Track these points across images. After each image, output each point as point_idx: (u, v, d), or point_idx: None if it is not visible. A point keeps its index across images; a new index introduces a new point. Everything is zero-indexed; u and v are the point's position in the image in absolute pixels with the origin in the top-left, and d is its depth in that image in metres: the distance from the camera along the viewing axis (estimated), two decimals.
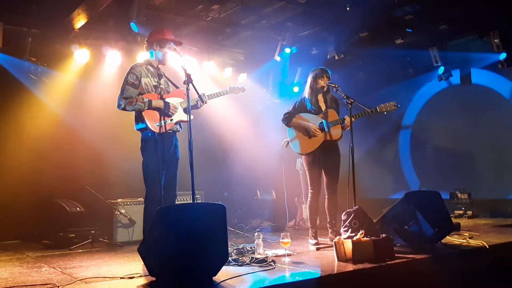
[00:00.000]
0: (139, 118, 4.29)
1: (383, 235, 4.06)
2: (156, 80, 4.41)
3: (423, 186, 8.41)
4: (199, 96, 4.19)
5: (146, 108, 4.22)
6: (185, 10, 6.50)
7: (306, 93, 5.19)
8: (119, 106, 4.24)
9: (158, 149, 4.22)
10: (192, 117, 4.20)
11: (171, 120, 4.34)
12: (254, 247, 4.31)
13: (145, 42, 4.48)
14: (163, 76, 4.53)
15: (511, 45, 6.73)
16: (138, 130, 4.35)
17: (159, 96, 4.32)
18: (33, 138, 6.23)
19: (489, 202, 7.36)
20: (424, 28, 6.87)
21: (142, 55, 6.57)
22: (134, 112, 4.31)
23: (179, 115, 4.38)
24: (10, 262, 4.52)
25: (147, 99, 4.24)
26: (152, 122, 4.24)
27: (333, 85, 4.97)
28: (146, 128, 4.24)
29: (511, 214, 6.94)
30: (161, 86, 4.42)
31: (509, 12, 6.17)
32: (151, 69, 4.43)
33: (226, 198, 7.57)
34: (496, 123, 7.46)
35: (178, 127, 4.47)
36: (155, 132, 4.24)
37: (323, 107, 5.14)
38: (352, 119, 4.86)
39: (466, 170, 7.74)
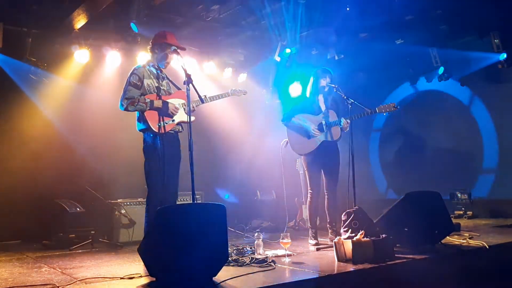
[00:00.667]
0: (141, 119, 4.31)
1: (383, 235, 4.06)
2: (158, 81, 4.43)
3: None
4: (200, 97, 4.20)
5: (148, 108, 4.24)
6: (185, 10, 6.49)
7: (307, 92, 5.20)
8: (121, 106, 4.26)
9: (160, 150, 4.23)
10: (193, 118, 4.23)
11: (173, 120, 4.35)
12: (254, 248, 4.31)
13: (150, 43, 4.49)
14: (165, 78, 4.56)
15: (511, 46, 6.74)
16: (140, 130, 4.36)
17: (158, 97, 4.33)
18: (33, 138, 6.23)
19: (489, 203, 7.36)
20: (424, 28, 6.87)
21: (142, 56, 6.59)
22: (136, 112, 4.32)
23: (181, 116, 4.39)
24: (10, 262, 4.52)
25: (149, 100, 4.25)
26: (154, 123, 4.25)
27: (333, 86, 4.98)
28: (148, 128, 4.26)
29: (511, 214, 6.94)
30: (163, 87, 4.44)
31: (509, 12, 6.17)
32: (154, 70, 4.45)
33: (227, 200, 7.59)
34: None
35: (180, 127, 4.49)
36: (157, 132, 4.24)
37: (323, 108, 5.14)
38: (349, 121, 4.87)
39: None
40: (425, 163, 8.16)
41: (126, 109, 4.25)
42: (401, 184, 8.42)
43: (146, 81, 4.34)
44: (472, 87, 7.74)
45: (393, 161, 8.79)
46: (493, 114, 7.52)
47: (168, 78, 4.60)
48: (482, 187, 7.46)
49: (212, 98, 4.60)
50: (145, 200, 4.41)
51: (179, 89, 4.59)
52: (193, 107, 4.43)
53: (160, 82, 4.44)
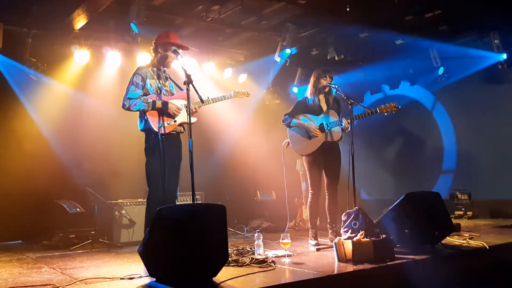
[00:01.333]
0: (143, 119, 4.32)
1: (383, 235, 4.06)
2: (161, 82, 4.44)
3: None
4: (200, 98, 4.20)
5: (150, 108, 4.25)
6: (185, 10, 6.50)
7: (308, 93, 5.19)
8: (123, 106, 4.28)
9: (161, 150, 4.23)
10: (195, 119, 4.26)
11: (175, 121, 4.35)
12: (254, 248, 4.30)
13: (152, 44, 4.50)
14: (169, 79, 4.57)
15: (511, 46, 6.74)
16: (142, 130, 4.37)
17: (158, 97, 4.33)
18: (33, 139, 6.24)
19: (489, 203, 7.37)
20: (424, 29, 6.87)
21: (142, 56, 6.60)
22: (138, 112, 4.33)
23: (183, 117, 4.38)
24: (10, 262, 4.52)
25: (151, 100, 4.26)
26: (155, 123, 4.26)
27: (333, 86, 4.98)
28: (150, 128, 4.26)
29: (511, 215, 6.94)
30: (165, 88, 4.45)
31: (509, 12, 6.17)
32: (157, 71, 4.46)
33: (227, 200, 7.59)
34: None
35: (182, 128, 4.49)
36: (158, 133, 4.25)
37: (324, 108, 5.14)
38: (349, 121, 4.87)
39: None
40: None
41: (128, 109, 4.27)
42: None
43: (149, 81, 4.35)
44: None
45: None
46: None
47: (171, 79, 4.60)
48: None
49: (215, 100, 4.60)
50: (145, 200, 4.41)
51: (182, 90, 4.59)
52: (195, 108, 4.43)
53: (163, 83, 4.46)
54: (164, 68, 4.53)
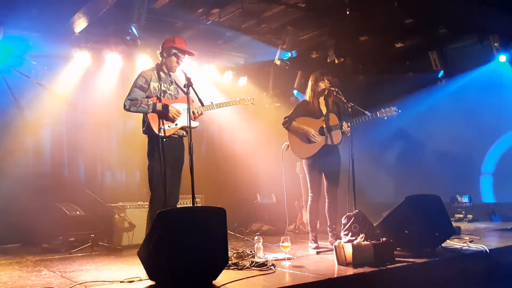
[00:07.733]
0: (145, 122, 4.33)
1: (384, 239, 4.05)
2: (165, 85, 4.46)
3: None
4: (200, 101, 4.21)
5: (150, 111, 4.26)
6: (185, 14, 6.50)
7: (308, 96, 5.19)
8: (124, 106, 4.31)
9: (162, 153, 4.24)
10: (197, 124, 4.28)
11: (176, 125, 4.36)
12: (254, 251, 4.30)
13: (160, 48, 4.54)
14: (174, 83, 4.60)
15: (510, 49, 6.75)
16: (144, 133, 4.38)
17: (158, 100, 4.35)
18: (33, 141, 6.24)
19: (490, 206, 7.36)
20: (424, 32, 6.88)
21: (143, 59, 6.62)
22: (142, 115, 4.35)
23: (184, 121, 4.38)
24: (10, 266, 4.51)
25: (152, 102, 4.28)
26: (156, 126, 4.28)
27: (333, 89, 4.98)
28: (151, 131, 4.27)
29: (511, 218, 6.94)
30: (169, 91, 4.48)
31: (509, 15, 6.18)
32: (162, 74, 4.49)
33: (227, 202, 7.58)
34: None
35: (184, 132, 4.50)
36: (159, 136, 4.25)
37: (324, 111, 5.13)
38: (349, 124, 4.87)
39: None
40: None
41: (128, 110, 4.30)
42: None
43: (153, 84, 4.38)
44: None
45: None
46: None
47: (176, 83, 4.63)
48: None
49: (219, 106, 4.62)
50: (145, 203, 4.42)
51: (185, 94, 4.60)
52: (201, 112, 4.45)
53: (168, 86, 4.49)
54: (170, 72, 4.56)
